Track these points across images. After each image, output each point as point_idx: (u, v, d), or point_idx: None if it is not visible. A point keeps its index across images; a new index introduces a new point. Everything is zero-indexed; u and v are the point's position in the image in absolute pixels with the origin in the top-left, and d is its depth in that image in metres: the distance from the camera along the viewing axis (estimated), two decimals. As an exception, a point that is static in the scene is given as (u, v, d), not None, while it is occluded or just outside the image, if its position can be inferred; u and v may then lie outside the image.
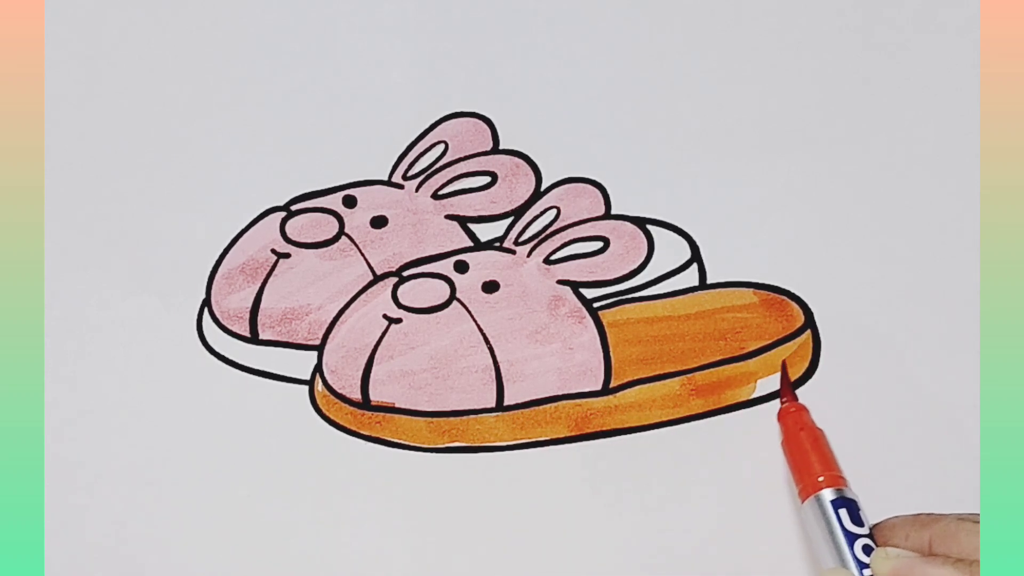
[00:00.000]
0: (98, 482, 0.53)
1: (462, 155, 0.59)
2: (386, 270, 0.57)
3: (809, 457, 0.50)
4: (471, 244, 0.58)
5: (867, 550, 0.47)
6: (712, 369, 0.55)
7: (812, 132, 0.59)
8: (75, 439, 0.54)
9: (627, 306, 0.56)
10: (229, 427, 0.54)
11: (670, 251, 0.57)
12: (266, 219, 0.58)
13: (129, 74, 0.61)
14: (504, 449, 0.54)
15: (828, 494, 0.49)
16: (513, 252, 0.57)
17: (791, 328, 0.55)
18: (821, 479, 0.49)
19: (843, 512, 0.48)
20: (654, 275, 0.57)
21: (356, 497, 0.53)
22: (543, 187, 0.59)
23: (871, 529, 0.48)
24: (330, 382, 0.55)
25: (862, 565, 0.47)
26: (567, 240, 0.57)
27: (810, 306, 0.56)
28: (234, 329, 0.56)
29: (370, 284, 0.57)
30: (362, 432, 0.54)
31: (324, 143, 0.60)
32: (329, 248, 0.57)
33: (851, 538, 0.47)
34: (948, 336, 0.55)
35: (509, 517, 0.52)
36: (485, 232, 0.58)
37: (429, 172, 0.59)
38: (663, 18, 0.62)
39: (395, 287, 0.56)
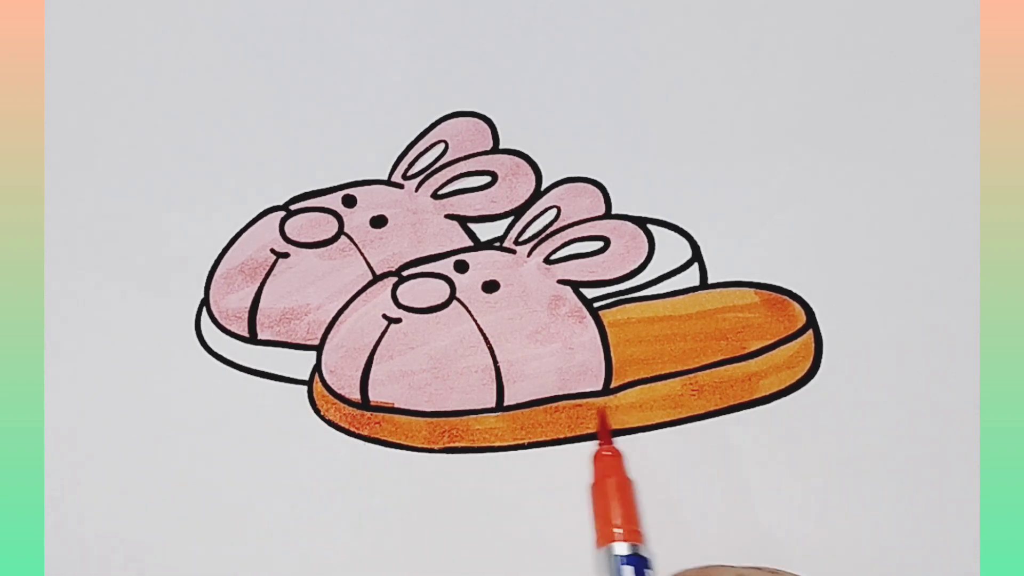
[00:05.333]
0: (98, 482, 0.53)
1: (462, 155, 0.59)
2: (386, 270, 0.57)
3: (611, 506, 0.50)
4: (471, 244, 0.58)
5: None
6: (713, 369, 0.55)
7: (812, 132, 0.59)
8: (75, 439, 0.54)
9: (628, 306, 0.56)
10: (228, 427, 0.54)
11: (670, 251, 0.57)
12: (265, 219, 0.58)
13: (129, 74, 0.61)
14: (504, 449, 0.54)
15: (620, 548, 0.49)
16: (513, 252, 0.57)
17: (792, 328, 0.55)
18: (618, 531, 0.49)
19: (628, 569, 0.49)
20: (655, 275, 0.57)
21: (356, 497, 0.53)
22: (543, 187, 0.59)
23: None
24: (329, 382, 0.55)
25: None
26: (567, 240, 0.57)
27: (812, 306, 0.56)
28: (233, 329, 0.56)
29: (370, 284, 0.57)
30: (361, 432, 0.54)
31: (324, 143, 0.60)
32: (328, 248, 0.57)
33: None
34: (948, 336, 0.55)
35: (509, 517, 0.52)
36: (485, 232, 0.58)
37: (429, 172, 0.59)
38: (663, 18, 0.62)
39: (395, 287, 0.56)
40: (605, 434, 0.53)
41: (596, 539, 0.50)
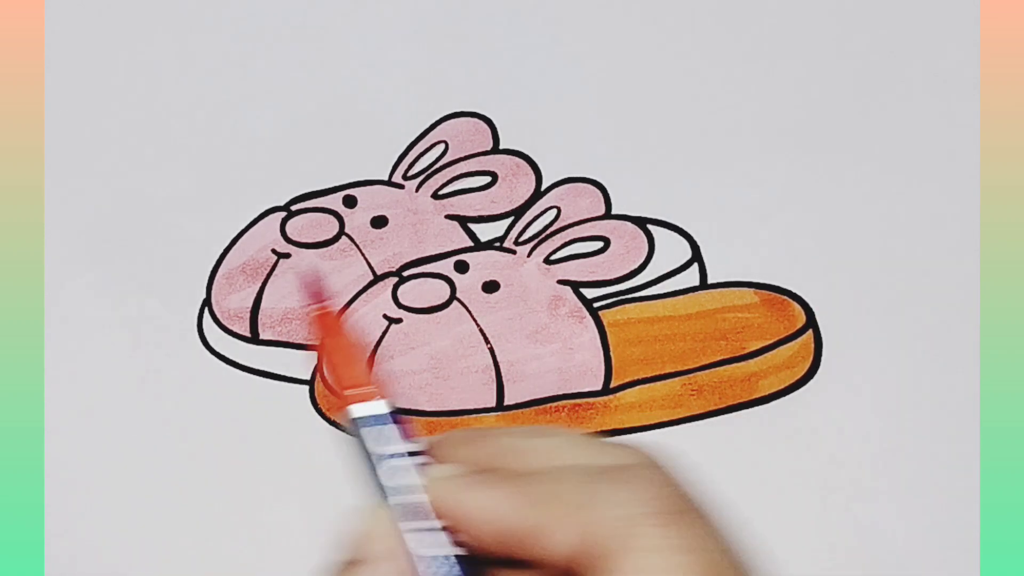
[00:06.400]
0: (98, 482, 0.53)
1: (462, 155, 0.59)
2: (386, 270, 0.57)
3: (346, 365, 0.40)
4: (471, 244, 0.58)
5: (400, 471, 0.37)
6: (712, 369, 0.55)
7: (812, 132, 0.59)
8: (75, 439, 0.54)
9: (627, 306, 0.56)
10: (230, 426, 0.54)
11: (670, 251, 0.57)
12: (266, 219, 0.58)
13: (129, 74, 0.61)
14: (504, 449, 0.54)
15: (358, 409, 0.38)
16: (513, 252, 0.57)
17: (792, 328, 0.55)
18: (360, 391, 0.39)
19: (381, 428, 0.38)
20: (654, 275, 0.57)
21: (356, 496, 0.52)
22: (543, 187, 0.59)
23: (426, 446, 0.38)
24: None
25: (393, 490, 0.37)
26: (567, 240, 0.57)
27: (811, 306, 0.56)
28: (234, 329, 0.56)
29: (370, 284, 0.57)
30: (362, 432, 0.54)
31: (324, 143, 0.60)
32: (329, 248, 0.57)
33: (387, 458, 0.38)
34: (948, 336, 0.55)
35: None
36: (485, 232, 0.58)
37: (429, 172, 0.59)
38: (663, 18, 0.62)
39: (395, 287, 0.56)
40: (316, 294, 0.41)
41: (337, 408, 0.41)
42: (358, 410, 0.39)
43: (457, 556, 0.37)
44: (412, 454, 0.38)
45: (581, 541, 0.34)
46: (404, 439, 0.38)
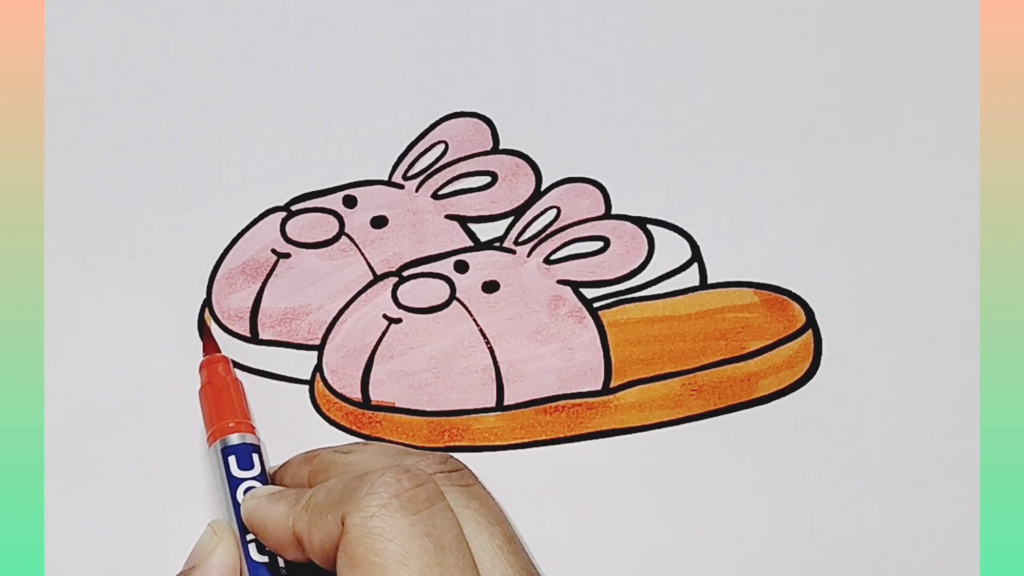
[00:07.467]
0: (98, 482, 0.53)
1: (462, 155, 0.59)
2: (386, 270, 0.57)
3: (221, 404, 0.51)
4: (471, 244, 0.58)
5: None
6: (712, 369, 0.55)
7: (812, 132, 0.59)
8: (75, 439, 0.54)
9: (627, 306, 0.56)
10: (229, 427, 0.54)
11: (670, 251, 0.57)
12: (266, 219, 0.58)
13: (129, 74, 0.61)
14: (504, 449, 0.54)
15: (220, 443, 0.50)
16: (513, 252, 0.57)
17: (792, 328, 0.55)
18: (231, 425, 0.50)
19: (232, 458, 0.49)
20: (654, 275, 0.57)
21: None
22: (543, 187, 0.59)
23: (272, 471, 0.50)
24: (330, 382, 0.55)
25: (239, 508, 0.47)
26: (567, 240, 0.57)
27: (811, 306, 0.56)
28: (234, 329, 0.56)
29: (370, 284, 0.57)
30: (362, 432, 0.54)
31: (324, 143, 0.60)
32: (329, 248, 0.57)
33: (235, 483, 0.48)
34: (948, 336, 0.55)
35: (508, 517, 0.52)
36: (485, 232, 0.58)
37: (429, 172, 0.59)
38: (663, 18, 0.62)
39: (395, 287, 0.56)
40: (209, 345, 0.54)
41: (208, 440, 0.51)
42: (226, 440, 0.49)
43: (284, 563, 0.46)
44: (257, 478, 0.48)
45: (332, 535, 0.41)
46: (260, 465, 0.49)
